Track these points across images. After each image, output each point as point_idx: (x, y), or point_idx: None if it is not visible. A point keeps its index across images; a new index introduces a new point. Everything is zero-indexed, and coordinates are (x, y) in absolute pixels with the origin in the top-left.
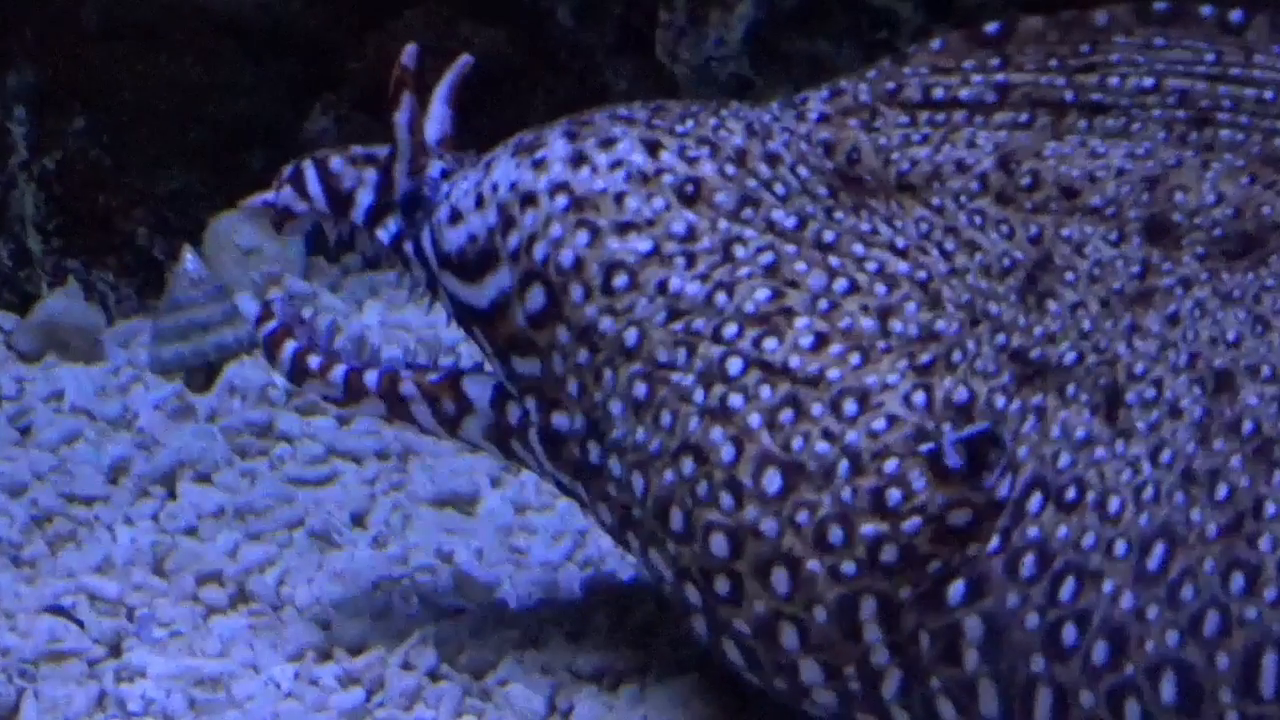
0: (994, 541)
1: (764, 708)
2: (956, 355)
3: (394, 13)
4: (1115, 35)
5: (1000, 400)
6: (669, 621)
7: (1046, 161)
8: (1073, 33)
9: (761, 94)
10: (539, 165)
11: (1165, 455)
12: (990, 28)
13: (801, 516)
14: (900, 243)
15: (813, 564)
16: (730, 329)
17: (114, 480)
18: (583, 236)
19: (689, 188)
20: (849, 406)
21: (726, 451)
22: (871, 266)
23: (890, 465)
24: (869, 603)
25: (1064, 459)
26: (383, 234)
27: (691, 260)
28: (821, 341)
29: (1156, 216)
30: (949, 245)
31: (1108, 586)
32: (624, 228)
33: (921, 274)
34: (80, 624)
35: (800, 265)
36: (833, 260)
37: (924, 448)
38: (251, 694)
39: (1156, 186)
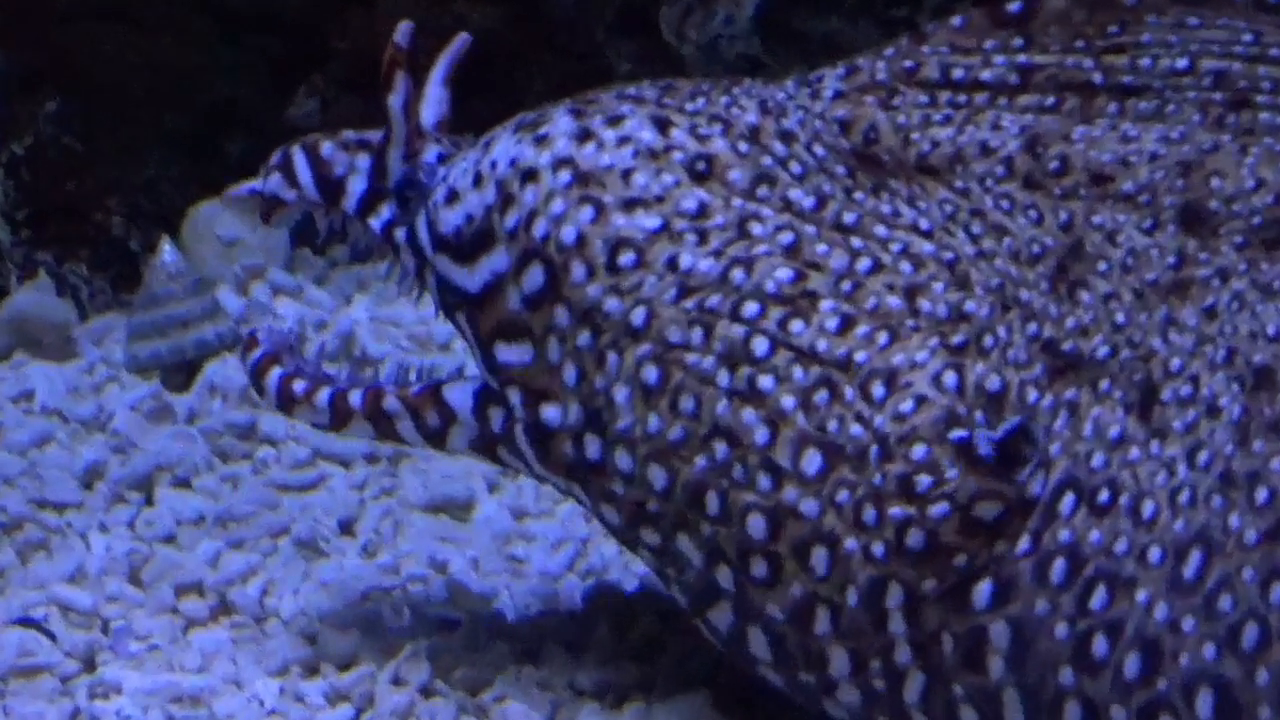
0: (1024, 543)
1: None
2: (988, 340)
3: None
4: (1146, 15)
5: (1032, 393)
6: (675, 634)
7: (1075, 145)
8: (1099, 13)
9: (772, 75)
10: (542, 141)
11: (1202, 456)
12: (1013, 6)
13: (842, 496)
14: (924, 224)
15: (851, 542)
16: (751, 307)
17: (88, 485)
18: (586, 212)
19: (700, 165)
20: (877, 389)
21: (761, 434)
22: (895, 247)
23: (919, 451)
24: (895, 590)
25: (1097, 459)
26: (374, 222)
27: (703, 237)
28: (847, 324)
29: (1192, 204)
30: (975, 228)
31: (1141, 595)
32: (631, 204)
33: (948, 255)
34: (52, 637)
35: (821, 247)
36: (854, 241)
37: (955, 435)
38: (233, 711)
39: (1192, 172)
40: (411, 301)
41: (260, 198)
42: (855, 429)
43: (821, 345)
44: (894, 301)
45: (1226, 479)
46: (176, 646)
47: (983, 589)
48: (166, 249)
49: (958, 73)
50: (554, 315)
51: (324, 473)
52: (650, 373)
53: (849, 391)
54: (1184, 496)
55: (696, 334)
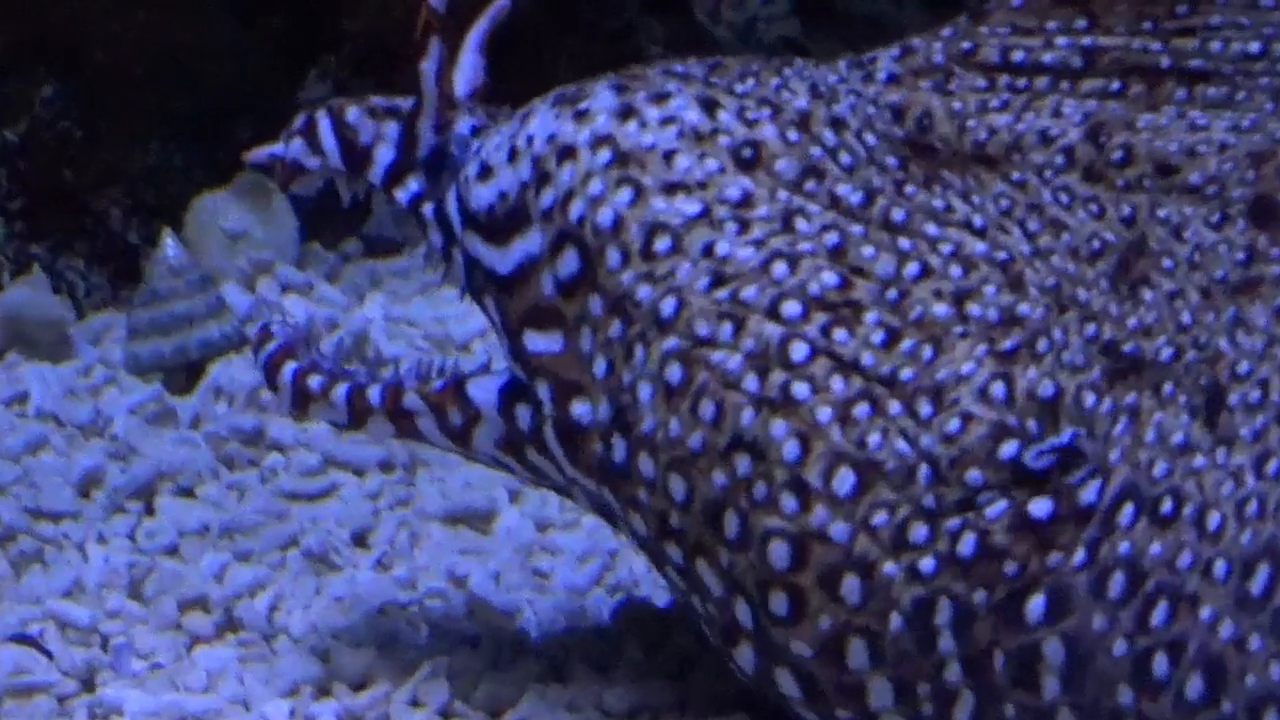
0: (1079, 555)
1: None
2: (1042, 344)
3: None
4: None
5: (1090, 398)
6: (709, 653)
7: (1140, 134)
8: None
9: (812, 59)
10: (581, 117)
11: (1271, 466)
12: None
13: (879, 518)
14: (977, 221)
15: (890, 567)
16: (791, 307)
17: (85, 494)
18: (625, 194)
19: (747, 151)
20: (925, 408)
21: (790, 448)
22: (945, 248)
23: (973, 476)
24: (945, 605)
25: (1159, 467)
26: (401, 194)
27: (745, 226)
28: (893, 338)
29: (1264, 197)
30: (1032, 224)
31: (1205, 612)
32: (672, 188)
33: (1001, 255)
34: (49, 655)
35: (867, 249)
36: (902, 242)
37: (1005, 452)
38: None
39: (1264, 163)
40: (429, 302)
41: (280, 164)
42: (900, 444)
43: (867, 359)
44: (941, 310)
45: None
46: (180, 665)
47: (1036, 602)
48: (169, 242)
49: (1018, 55)
50: (588, 303)
51: (336, 481)
52: (674, 370)
53: (895, 405)
54: (1252, 507)
55: (725, 328)
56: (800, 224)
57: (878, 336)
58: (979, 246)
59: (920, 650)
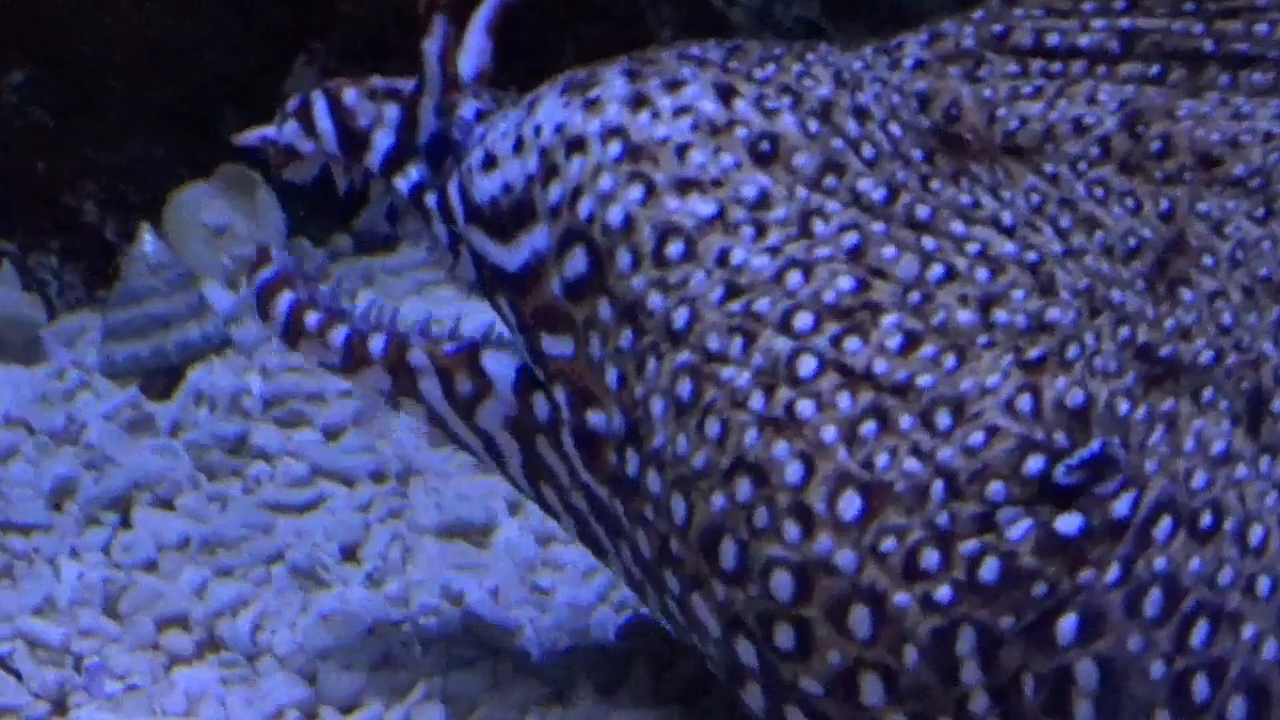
0: (1113, 571)
1: None
2: (1072, 350)
3: None
4: None
5: (1124, 405)
6: None
7: (1181, 123)
8: None
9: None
10: (592, 106)
11: None
12: None
13: (887, 544)
14: (1007, 218)
15: (901, 597)
16: (804, 319)
17: (57, 505)
18: (636, 192)
19: (765, 145)
20: (942, 419)
21: (793, 471)
22: (972, 249)
23: (996, 489)
24: (967, 634)
25: (1199, 478)
26: (402, 183)
27: (761, 230)
28: (911, 343)
29: None
30: (1064, 221)
31: (1248, 631)
32: (685, 185)
33: (1031, 256)
34: (18, 675)
35: (889, 250)
36: (927, 242)
37: (1031, 467)
38: None
39: None
40: (425, 301)
41: (273, 147)
42: (910, 464)
43: (880, 367)
44: (966, 316)
45: None
46: (158, 687)
47: (1067, 623)
48: (147, 239)
49: (1053, 38)
50: (598, 308)
51: (324, 492)
52: (685, 385)
53: (905, 420)
54: None
55: (736, 343)
56: (818, 226)
57: (894, 341)
58: (1008, 247)
59: (942, 683)
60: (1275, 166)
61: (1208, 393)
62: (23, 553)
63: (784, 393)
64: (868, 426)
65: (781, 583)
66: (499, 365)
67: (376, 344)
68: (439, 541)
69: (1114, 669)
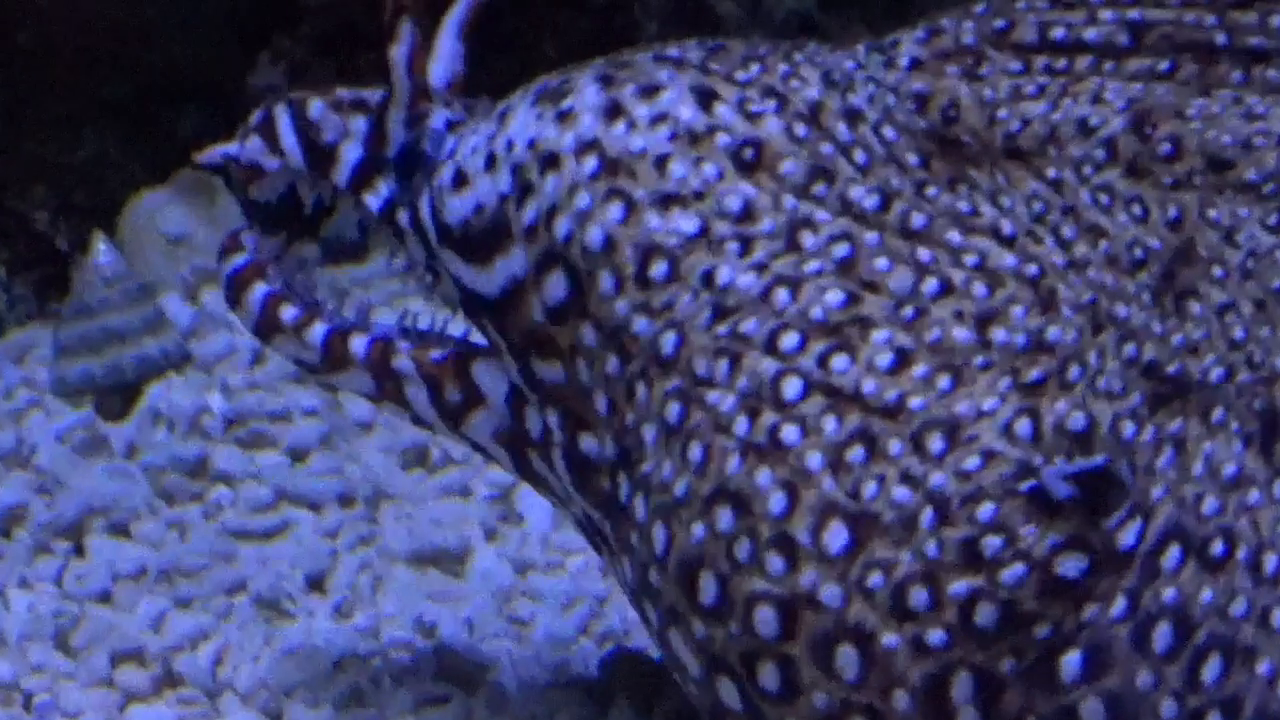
0: (1119, 605)
1: None
2: (1074, 371)
3: None
4: None
5: (1129, 427)
6: None
7: (1190, 124)
8: None
9: (828, 38)
10: (565, 118)
11: None
12: None
13: (874, 579)
14: (1006, 228)
15: (889, 638)
16: (789, 339)
17: (6, 532)
18: (615, 210)
19: (748, 152)
20: (935, 442)
21: (776, 500)
22: (970, 260)
23: (985, 511)
24: (964, 680)
25: (1209, 503)
26: (371, 199)
27: (747, 246)
28: (903, 361)
29: None
30: (1067, 230)
31: (1263, 666)
32: (666, 200)
33: (1032, 268)
34: None
35: (881, 261)
36: (921, 252)
37: (1025, 485)
38: None
39: None
40: (397, 314)
41: (235, 165)
42: (899, 492)
43: (868, 386)
44: (962, 334)
45: None
46: None
47: (1071, 660)
48: (101, 248)
49: (1057, 32)
50: (581, 333)
51: (289, 517)
52: (674, 411)
53: (895, 445)
54: None
55: (722, 366)
56: (806, 238)
57: (884, 359)
58: (1007, 258)
59: None
60: None
61: (1218, 412)
62: None
63: (768, 417)
64: (855, 452)
65: (765, 618)
66: (491, 376)
67: (359, 345)
68: (411, 570)
69: (1122, 707)
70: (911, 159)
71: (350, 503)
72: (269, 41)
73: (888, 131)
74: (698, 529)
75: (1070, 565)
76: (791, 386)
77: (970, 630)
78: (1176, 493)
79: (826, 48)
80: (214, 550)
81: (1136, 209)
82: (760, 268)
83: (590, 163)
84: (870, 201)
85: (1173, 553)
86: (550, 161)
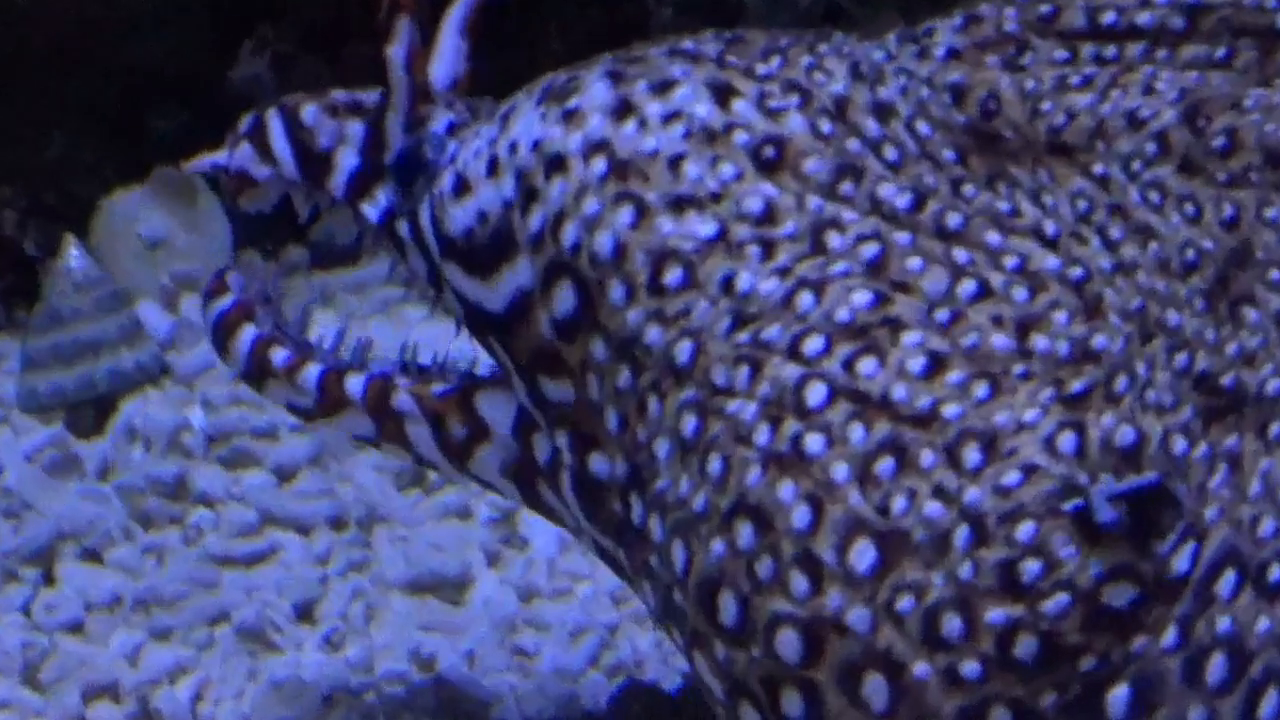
0: (1170, 635)
1: None
2: (1121, 382)
3: None
4: None
5: (1180, 443)
6: None
7: (1248, 116)
8: None
9: (856, 27)
10: (571, 117)
11: None
12: None
13: (904, 603)
14: (1050, 228)
15: (920, 668)
16: (814, 343)
17: None
18: (626, 214)
19: (769, 150)
20: (971, 455)
21: (800, 515)
22: (1010, 262)
23: (1025, 531)
24: (1001, 715)
25: (1267, 525)
26: (370, 209)
27: (769, 250)
28: (936, 366)
29: None
30: (1115, 231)
31: None
32: (681, 203)
33: (1076, 272)
34: None
35: (914, 261)
36: (958, 254)
37: (1069, 505)
38: None
39: None
40: (392, 323)
41: (225, 174)
42: (931, 508)
43: (899, 392)
44: (1000, 341)
45: None
46: None
47: (1118, 695)
48: (73, 253)
49: (1108, 17)
50: (591, 348)
51: (275, 542)
52: (690, 422)
53: (927, 457)
54: None
55: (742, 374)
56: (833, 239)
57: (916, 363)
58: (1050, 261)
59: None
60: None
61: (1275, 427)
62: None
63: (791, 425)
64: (884, 464)
65: (787, 642)
66: (497, 408)
67: (355, 385)
68: (407, 598)
69: None
70: (947, 155)
71: (341, 526)
72: (251, 32)
73: (921, 126)
74: (717, 546)
75: (1119, 595)
76: (815, 392)
77: (1008, 662)
78: (1231, 514)
79: (854, 38)
80: (194, 578)
81: (1189, 208)
82: (783, 272)
83: (599, 165)
84: (902, 200)
85: (1228, 579)
86: (556, 164)
